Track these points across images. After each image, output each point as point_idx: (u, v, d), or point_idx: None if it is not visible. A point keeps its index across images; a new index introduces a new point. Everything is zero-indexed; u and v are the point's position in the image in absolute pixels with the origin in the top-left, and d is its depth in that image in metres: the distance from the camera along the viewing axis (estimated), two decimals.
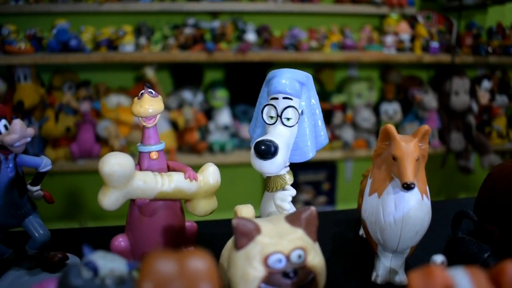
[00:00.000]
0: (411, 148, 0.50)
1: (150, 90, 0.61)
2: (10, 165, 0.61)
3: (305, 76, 0.60)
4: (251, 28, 1.77)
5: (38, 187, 0.66)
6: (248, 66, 1.79)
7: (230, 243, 0.49)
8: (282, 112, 0.56)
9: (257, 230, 0.40)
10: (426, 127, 0.52)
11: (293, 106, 0.57)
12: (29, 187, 0.65)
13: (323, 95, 1.88)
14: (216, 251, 0.66)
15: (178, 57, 1.68)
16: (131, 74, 1.85)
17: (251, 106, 1.81)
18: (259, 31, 1.80)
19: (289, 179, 0.58)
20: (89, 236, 0.77)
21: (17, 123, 0.58)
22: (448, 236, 0.66)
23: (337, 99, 1.84)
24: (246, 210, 0.52)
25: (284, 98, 0.57)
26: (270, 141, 0.53)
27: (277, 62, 1.84)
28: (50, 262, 0.62)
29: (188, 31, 1.73)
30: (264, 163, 0.53)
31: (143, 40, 1.71)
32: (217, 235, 0.63)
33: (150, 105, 0.58)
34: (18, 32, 1.70)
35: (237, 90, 1.82)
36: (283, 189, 0.57)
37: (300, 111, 0.58)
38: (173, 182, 0.58)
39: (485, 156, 1.80)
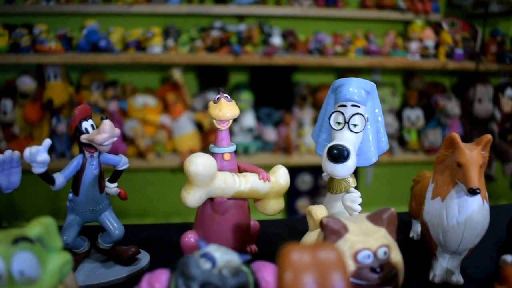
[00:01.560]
0: (475, 155, 0.54)
1: (225, 95, 0.65)
2: (95, 163, 0.66)
3: (370, 85, 0.64)
4: (276, 32, 1.81)
5: (115, 184, 0.70)
6: (273, 69, 1.83)
7: (308, 240, 0.53)
8: (349, 119, 0.60)
9: (345, 229, 0.44)
10: (489, 136, 0.56)
11: (360, 113, 0.61)
12: (107, 183, 0.69)
13: None
14: (267, 247, 0.71)
15: (205, 59, 1.73)
16: (158, 75, 1.90)
17: (275, 109, 1.85)
18: (285, 35, 1.84)
19: (353, 182, 0.63)
20: (145, 232, 0.81)
21: (107, 123, 0.62)
22: (491, 239, 0.69)
23: None
24: (320, 210, 0.56)
25: (352, 105, 0.61)
26: (343, 146, 0.57)
27: (302, 66, 1.88)
28: (123, 256, 0.67)
29: (215, 33, 1.78)
30: (336, 166, 0.57)
31: (170, 42, 1.75)
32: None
33: (228, 109, 0.63)
34: (49, 31, 1.75)
35: (262, 93, 1.86)
36: (347, 191, 0.62)
37: (366, 118, 0.62)
38: (249, 182, 0.62)
39: (507, 164, 1.83)
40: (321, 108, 0.68)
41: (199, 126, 1.81)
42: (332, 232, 0.43)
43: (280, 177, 0.65)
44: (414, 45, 1.81)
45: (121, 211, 1.89)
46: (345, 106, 0.61)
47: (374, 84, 0.65)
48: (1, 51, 1.65)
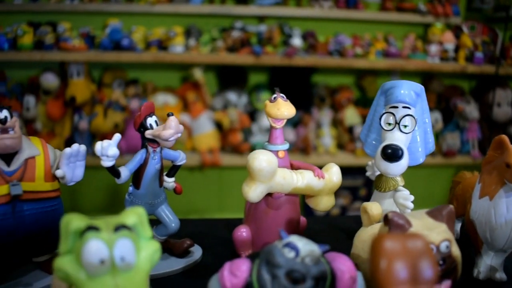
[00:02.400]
0: None
1: (281, 94, 0.67)
2: (157, 158, 0.68)
3: (420, 88, 0.66)
4: (297, 33, 1.84)
5: (173, 179, 0.73)
6: (292, 70, 1.86)
7: (364, 235, 0.56)
8: (400, 120, 0.63)
9: (409, 224, 0.46)
10: None
11: (411, 115, 0.63)
12: (165, 178, 0.72)
13: (365, 102, 1.94)
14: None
15: (226, 59, 1.75)
16: (178, 74, 1.92)
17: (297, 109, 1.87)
18: (305, 36, 1.86)
19: (401, 180, 0.65)
20: (192, 226, 0.83)
21: (173, 119, 0.65)
22: None
23: None
24: (375, 207, 0.58)
25: (403, 107, 0.64)
26: (397, 145, 0.59)
27: (321, 67, 1.90)
28: (179, 248, 0.69)
29: (235, 34, 1.80)
30: (390, 165, 0.59)
31: (192, 42, 1.78)
32: None
33: (286, 108, 0.65)
34: (72, 30, 1.78)
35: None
36: (395, 189, 0.64)
37: (416, 119, 0.64)
38: (305, 179, 0.65)
39: None
40: (370, 109, 0.71)
41: (218, 125, 1.84)
42: (397, 226, 0.45)
43: (333, 174, 0.67)
44: (434, 48, 1.83)
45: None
46: (396, 107, 0.64)
47: (423, 87, 0.67)
48: (26, 48, 1.69)
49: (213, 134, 1.83)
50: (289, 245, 0.43)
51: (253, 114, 1.88)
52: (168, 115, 0.66)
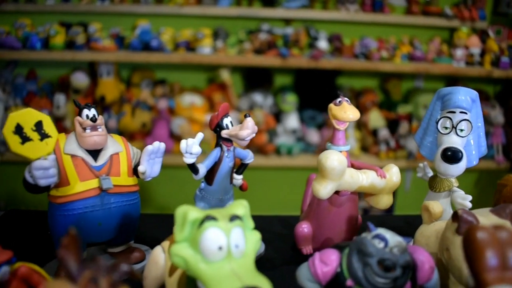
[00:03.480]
0: None
1: (346, 98, 0.70)
2: (230, 156, 0.72)
3: (475, 94, 0.69)
4: (323, 36, 1.86)
5: (241, 176, 0.76)
6: (317, 72, 1.88)
7: (427, 231, 0.59)
8: (457, 124, 0.66)
9: (477, 220, 0.48)
10: None
11: (467, 120, 0.66)
12: (235, 175, 0.75)
13: (389, 105, 1.96)
14: None
15: (253, 61, 1.78)
16: (204, 75, 1.96)
17: (319, 111, 1.90)
18: (331, 39, 1.89)
19: (455, 181, 0.68)
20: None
21: (250, 120, 0.69)
22: None
23: (403, 109, 1.92)
24: (436, 205, 0.61)
25: (460, 112, 0.66)
26: (457, 148, 0.62)
27: (346, 70, 1.92)
28: None
29: (262, 36, 1.83)
30: (450, 166, 0.63)
31: (219, 43, 1.81)
32: None
33: (352, 111, 0.69)
34: (103, 30, 1.82)
35: (306, 96, 1.91)
36: (450, 190, 0.67)
37: (471, 123, 0.67)
38: (370, 178, 0.68)
39: None
40: (425, 114, 0.74)
41: None
42: (466, 222, 0.47)
43: (393, 174, 0.70)
44: (459, 52, 1.84)
45: (165, 204, 1.95)
46: (453, 112, 0.67)
47: (477, 93, 0.70)
48: (58, 48, 1.73)
49: None
50: (379, 237, 0.46)
51: (278, 115, 1.91)
52: (245, 116, 0.70)
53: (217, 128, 0.72)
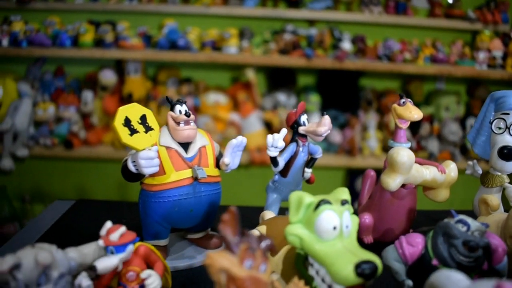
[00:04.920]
0: None
1: (409, 99, 0.78)
2: (305, 150, 0.80)
3: None
4: (347, 37, 1.93)
5: (311, 170, 0.85)
6: (340, 73, 1.95)
7: (489, 220, 0.67)
8: (511, 125, 0.74)
9: None
10: None
11: None
12: (305, 168, 0.84)
13: None
14: None
15: (278, 61, 1.86)
16: (228, 74, 2.03)
17: (341, 112, 1.97)
18: (354, 41, 1.96)
19: (506, 178, 0.76)
20: None
21: (327, 118, 0.77)
22: None
23: (424, 111, 1.98)
24: (494, 199, 0.70)
25: None
26: None
27: (369, 71, 2.00)
28: None
29: (287, 37, 1.91)
30: (506, 163, 0.71)
31: (245, 43, 1.89)
32: None
33: (416, 112, 0.76)
34: (130, 29, 1.90)
35: (329, 96, 1.99)
36: (502, 185, 0.75)
37: None
38: (432, 173, 0.76)
39: None
40: (479, 115, 0.82)
41: (267, 124, 1.95)
42: None
43: (452, 170, 0.78)
44: (482, 55, 1.91)
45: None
46: (507, 114, 0.74)
47: None
48: (87, 46, 1.81)
49: (262, 133, 1.93)
50: (461, 221, 0.55)
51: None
52: (323, 114, 0.77)
53: (295, 124, 0.81)
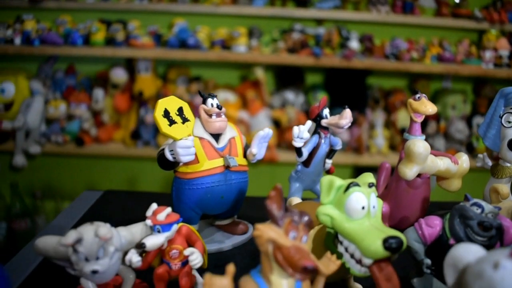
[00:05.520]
0: None
1: (424, 94, 0.84)
2: (326, 142, 0.87)
3: None
4: (354, 36, 2.00)
5: (331, 161, 0.91)
6: (348, 72, 2.01)
7: (509, 207, 0.73)
8: None
9: None
10: None
11: None
12: (326, 159, 0.90)
13: None
14: None
15: (287, 60, 1.92)
16: (237, 72, 2.10)
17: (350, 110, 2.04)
18: (362, 40, 2.02)
19: None
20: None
21: (348, 111, 0.83)
22: None
23: None
24: (504, 188, 0.76)
25: None
26: None
27: (376, 70, 2.06)
28: None
29: (295, 36, 1.97)
30: None
31: (254, 42, 1.95)
32: None
33: (430, 106, 0.82)
34: (141, 28, 1.97)
35: (336, 94, 2.05)
36: (511, 176, 0.81)
37: None
38: (446, 164, 0.82)
39: None
40: (489, 109, 0.88)
41: (275, 122, 2.01)
42: None
43: (464, 162, 0.84)
44: (488, 54, 1.97)
45: None
46: None
47: None
48: (98, 44, 1.88)
49: (272, 130, 2.00)
50: (476, 204, 0.61)
51: (309, 113, 2.04)
52: (344, 107, 0.83)
53: (317, 117, 0.87)
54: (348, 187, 0.57)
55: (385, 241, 0.53)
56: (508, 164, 0.85)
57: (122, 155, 1.95)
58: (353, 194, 0.57)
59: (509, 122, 0.82)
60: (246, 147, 0.84)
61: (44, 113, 1.92)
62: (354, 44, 1.96)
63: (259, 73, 1.97)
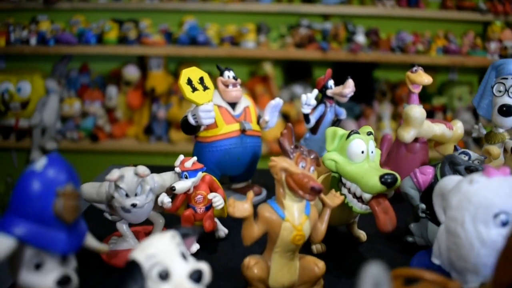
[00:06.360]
0: None
1: (420, 67, 0.95)
2: (332, 111, 0.98)
3: None
4: (360, 31, 2.12)
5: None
6: (355, 65, 2.13)
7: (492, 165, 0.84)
8: (509, 88, 0.90)
9: None
10: None
11: None
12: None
13: (424, 96, 2.20)
14: None
15: (295, 55, 2.04)
16: (246, 68, 2.22)
17: (356, 103, 2.15)
18: (368, 34, 2.14)
19: (507, 134, 0.92)
20: None
21: (351, 81, 0.94)
22: None
23: (437, 101, 2.16)
24: (495, 149, 0.87)
25: None
26: (511, 104, 0.87)
27: (382, 63, 2.17)
28: None
29: (302, 31, 2.10)
30: (505, 119, 0.86)
31: (262, 38, 2.08)
32: None
33: (426, 77, 0.94)
34: (152, 26, 2.10)
35: None
36: (503, 142, 0.92)
37: None
38: (441, 129, 0.93)
39: None
40: (482, 82, 0.98)
41: (284, 116, 2.12)
42: None
43: (458, 128, 0.95)
44: (493, 45, 2.08)
45: None
46: (506, 78, 0.91)
47: None
48: (111, 43, 2.01)
49: (279, 124, 2.11)
50: (464, 153, 0.72)
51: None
52: (347, 78, 0.95)
53: (323, 88, 0.99)
54: (349, 135, 0.69)
55: (382, 177, 0.64)
56: (501, 130, 0.94)
57: (135, 150, 2.07)
58: (354, 140, 0.68)
59: (500, 91, 0.92)
60: (259, 117, 0.96)
61: (59, 111, 2.05)
62: (360, 38, 2.08)
63: (268, 68, 2.09)
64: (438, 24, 2.18)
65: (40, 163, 0.42)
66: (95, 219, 0.78)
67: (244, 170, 0.95)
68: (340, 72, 2.20)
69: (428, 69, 2.23)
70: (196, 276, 0.41)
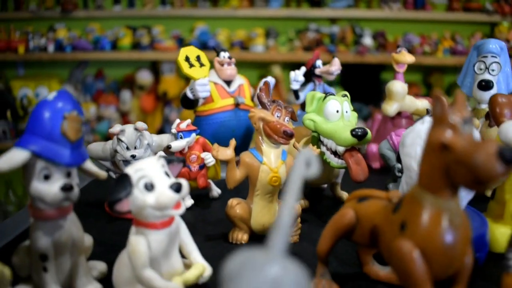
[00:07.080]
0: None
1: (404, 48, 1.05)
2: (320, 89, 1.09)
3: (503, 43, 1.00)
4: (368, 33, 2.22)
5: None
6: (363, 67, 2.23)
7: None
8: (489, 65, 0.99)
9: None
10: None
11: (497, 62, 0.99)
12: None
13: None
14: None
15: (303, 58, 2.15)
16: (256, 71, 2.34)
17: (364, 104, 2.24)
18: (375, 36, 2.25)
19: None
20: None
21: (337, 60, 1.05)
22: None
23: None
24: (475, 119, 0.95)
25: (491, 56, 0.99)
26: (489, 79, 0.94)
27: (391, 64, 2.26)
28: None
29: (310, 35, 2.21)
30: (484, 93, 0.95)
31: (271, 42, 2.20)
32: None
33: (409, 56, 1.04)
34: (164, 32, 2.25)
35: (352, 89, 2.25)
36: (485, 117, 1.00)
37: (501, 65, 1.00)
38: (423, 104, 1.02)
39: None
40: (465, 62, 1.07)
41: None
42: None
43: None
44: None
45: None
46: (486, 57, 0.99)
47: (505, 44, 1.03)
48: (125, 49, 2.16)
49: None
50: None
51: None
52: (334, 57, 1.05)
53: (312, 67, 1.09)
54: (325, 97, 0.79)
55: (353, 130, 0.74)
56: (483, 106, 1.02)
57: None
58: (329, 101, 0.78)
59: (481, 69, 1.00)
60: (254, 96, 1.07)
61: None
62: (368, 41, 2.18)
63: (277, 71, 2.20)
64: (444, 25, 2.27)
65: (52, 95, 0.53)
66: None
67: (239, 142, 1.05)
68: (349, 75, 2.33)
69: (436, 70, 2.33)
70: (176, 187, 0.51)
